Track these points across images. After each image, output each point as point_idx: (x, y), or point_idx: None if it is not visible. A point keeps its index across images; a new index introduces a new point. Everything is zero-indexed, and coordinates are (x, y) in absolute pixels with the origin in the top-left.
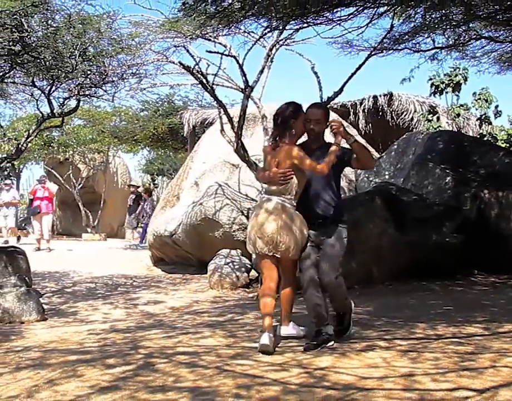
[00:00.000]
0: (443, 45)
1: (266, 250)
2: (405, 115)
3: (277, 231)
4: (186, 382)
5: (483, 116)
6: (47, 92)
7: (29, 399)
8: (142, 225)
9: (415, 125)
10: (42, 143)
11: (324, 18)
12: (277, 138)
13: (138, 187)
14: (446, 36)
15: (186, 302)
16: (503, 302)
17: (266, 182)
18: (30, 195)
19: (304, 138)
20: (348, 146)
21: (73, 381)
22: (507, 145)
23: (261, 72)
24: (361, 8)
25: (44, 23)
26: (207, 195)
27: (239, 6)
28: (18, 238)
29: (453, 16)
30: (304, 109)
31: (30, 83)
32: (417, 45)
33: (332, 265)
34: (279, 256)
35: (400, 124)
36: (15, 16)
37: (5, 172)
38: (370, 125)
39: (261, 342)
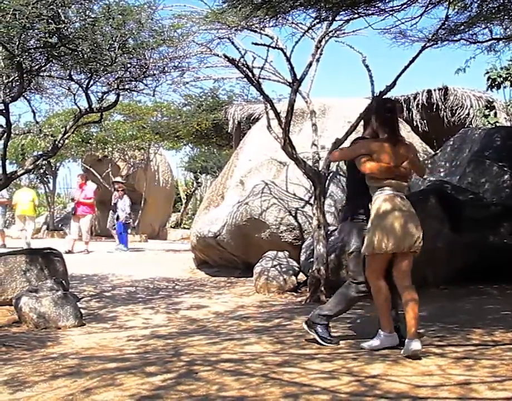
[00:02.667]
0: (501, 37)
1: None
2: (461, 110)
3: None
4: (230, 391)
5: None
6: (84, 86)
7: None
8: (117, 226)
9: (471, 120)
10: (80, 139)
11: (376, 8)
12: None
13: (123, 183)
14: (504, 27)
15: (231, 307)
16: None
17: (389, 177)
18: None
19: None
20: None
21: (111, 390)
22: None
23: (310, 65)
24: None
25: (82, 13)
26: (253, 194)
27: None
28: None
29: None
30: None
31: (67, 77)
32: (474, 36)
33: None
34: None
35: (456, 120)
36: (51, 6)
37: (41, 170)
38: (424, 120)
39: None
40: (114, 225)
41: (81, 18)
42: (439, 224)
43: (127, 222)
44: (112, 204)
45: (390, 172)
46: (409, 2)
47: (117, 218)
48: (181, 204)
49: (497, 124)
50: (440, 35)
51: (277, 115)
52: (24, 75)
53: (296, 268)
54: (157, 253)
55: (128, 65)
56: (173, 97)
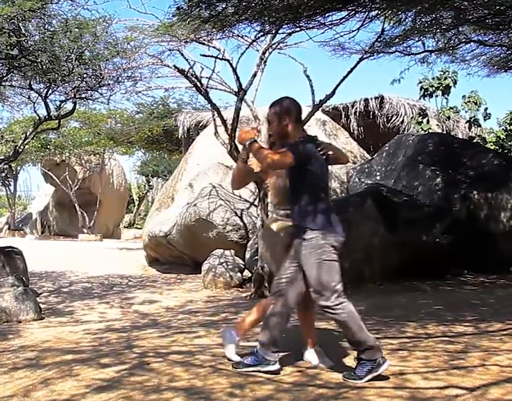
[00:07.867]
0: (433, 49)
1: None
2: (396, 118)
3: None
4: (180, 381)
5: (473, 119)
6: (43, 95)
7: (26, 398)
8: None
9: (405, 127)
10: (39, 145)
11: (316, 22)
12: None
13: None
14: (436, 40)
15: (181, 302)
16: (492, 302)
17: None
18: None
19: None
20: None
21: (68, 380)
22: (496, 147)
23: (254, 75)
24: (352, 12)
25: (41, 27)
26: (201, 196)
27: (233, 10)
28: None
29: (443, 20)
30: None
31: (28, 86)
32: (408, 48)
33: None
34: None
35: (391, 127)
36: (12, 21)
37: (3, 174)
38: (361, 127)
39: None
40: None
41: (40, 32)
42: (375, 224)
43: None
44: None
45: None
46: (347, 16)
47: None
48: (134, 206)
49: (430, 130)
50: (376, 48)
51: (224, 122)
52: None
53: (242, 265)
54: (111, 251)
55: (85, 75)
56: (126, 105)
